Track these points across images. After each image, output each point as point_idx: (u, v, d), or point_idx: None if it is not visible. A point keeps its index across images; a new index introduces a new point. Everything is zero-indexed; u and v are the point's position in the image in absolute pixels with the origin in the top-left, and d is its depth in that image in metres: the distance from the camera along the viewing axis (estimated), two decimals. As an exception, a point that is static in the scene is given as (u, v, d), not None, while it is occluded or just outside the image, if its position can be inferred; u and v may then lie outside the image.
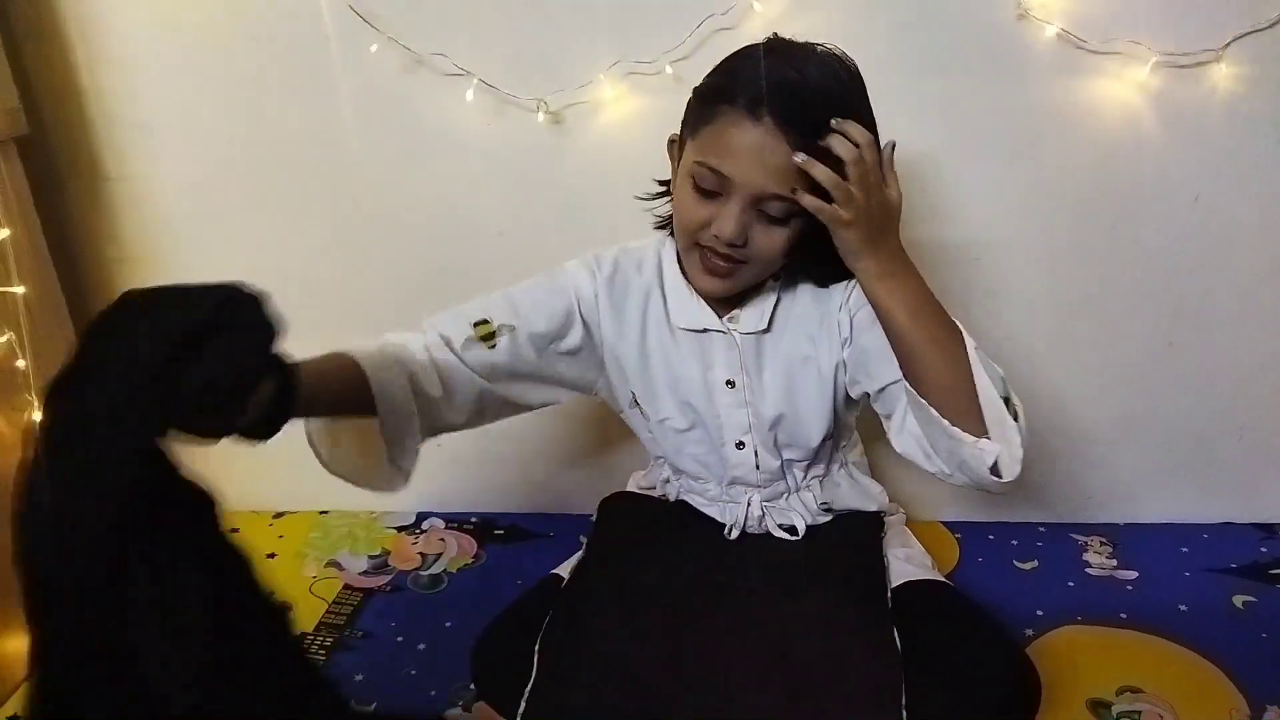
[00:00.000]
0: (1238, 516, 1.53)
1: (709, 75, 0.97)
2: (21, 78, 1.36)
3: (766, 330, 1.07)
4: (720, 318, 1.07)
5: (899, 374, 0.95)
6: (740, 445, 1.12)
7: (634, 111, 1.35)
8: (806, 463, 1.16)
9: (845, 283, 1.06)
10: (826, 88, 0.90)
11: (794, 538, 1.16)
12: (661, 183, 1.09)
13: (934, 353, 0.92)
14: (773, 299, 1.07)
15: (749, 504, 1.17)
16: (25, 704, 0.62)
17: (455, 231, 1.48)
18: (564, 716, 0.95)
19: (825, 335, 1.07)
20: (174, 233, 1.55)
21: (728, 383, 1.09)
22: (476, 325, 1.04)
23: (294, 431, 1.69)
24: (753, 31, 1.26)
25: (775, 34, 0.97)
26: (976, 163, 1.34)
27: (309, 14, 1.34)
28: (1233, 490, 1.53)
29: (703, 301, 1.07)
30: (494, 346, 1.03)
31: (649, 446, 1.23)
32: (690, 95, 0.99)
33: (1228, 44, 1.22)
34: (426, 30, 1.34)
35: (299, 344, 1.60)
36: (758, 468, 1.14)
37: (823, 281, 1.07)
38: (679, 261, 1.07)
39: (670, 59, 1.29)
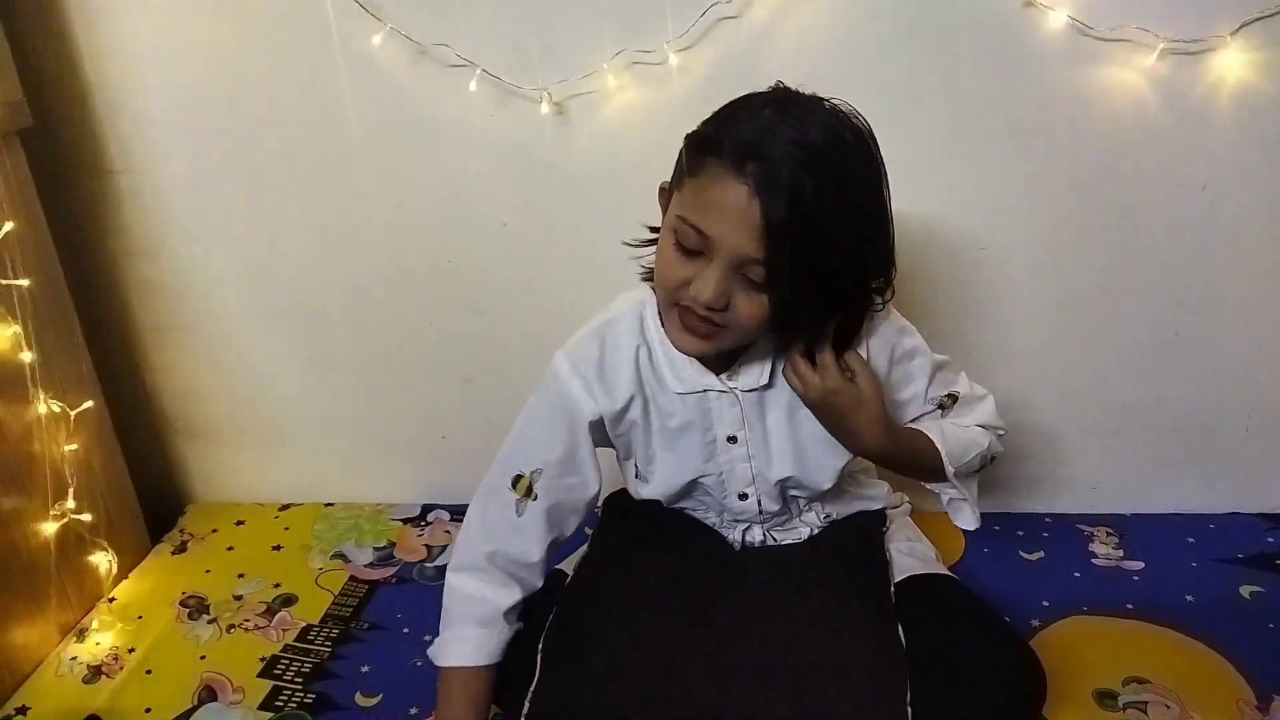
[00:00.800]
0: (1244, 507, 1.53)
1: (704, 122, 0.92)
2: (26, 70, 1.36)
3: (769, 386, 1.04)
4: (718, 376, 1.03)
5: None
6: (744, 496, 1.11)
7: (638, 101, 1.34)
8: (810, 502, 1.16)
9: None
10: (813, 136, 0.83)
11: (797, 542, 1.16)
12: (652, 229, 1.02)
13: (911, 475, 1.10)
14: (773, 353, 1.03)
15: (749, 528, 1.16)
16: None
17: (459, 223, 1.48)
18: (568, 714, 0.96)
19: None
20: (178, 226, 1.55)
21: (730, 439, 1.06)
22: (514, 486, 1.07)
23: (299, 422, 1.71)
24: (757, 20, 1.26)
25: (780, 82, 0.92)
26: (982, 150, 1.34)
27: (312, 5, 1.34)
28: (1239, 480, 1.52)
29: (696, 362, 1.02)
30: (536, 497, 1.07)
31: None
32: (682, 143, 0.93)
33: (1236, 30, 1.21)
34: (429, 21, 1.33)
35: (307, 336, 1.62)
36: (760, 511, 1.13)
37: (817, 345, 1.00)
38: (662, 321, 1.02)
39: (675, 49, 1.28)
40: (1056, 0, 1.22)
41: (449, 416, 1.65)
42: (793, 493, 1.12)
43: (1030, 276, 1.41)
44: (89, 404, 1.45)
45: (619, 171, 1.39)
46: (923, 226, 1.37)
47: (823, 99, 0.89)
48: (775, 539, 1.16)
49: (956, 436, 1.07)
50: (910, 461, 1.05)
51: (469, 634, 1.04)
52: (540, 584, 1.10)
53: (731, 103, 0.91)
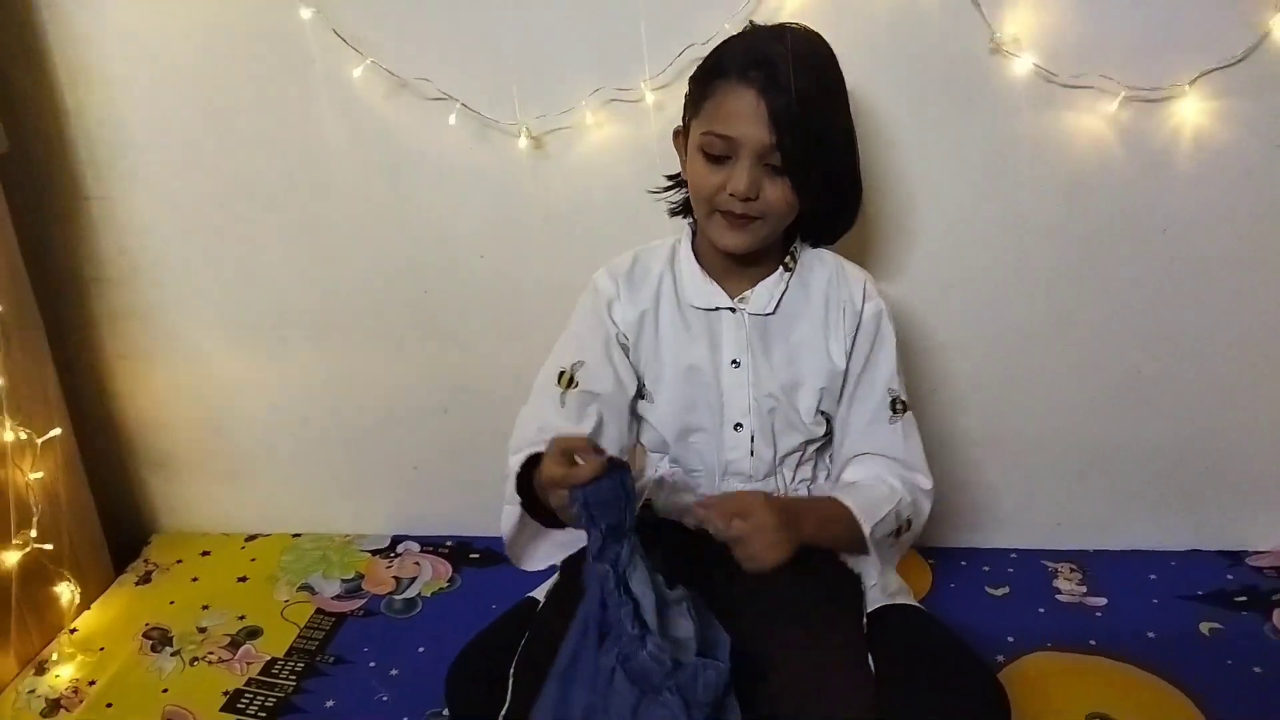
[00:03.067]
0: (1205, 544, 1.55)
1: (700, 64, 1.07)
2: (2, 96, 1.36)
3: (773, 314, 1.12)
4: (731, 299, 1.12)
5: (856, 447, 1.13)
6: (738, 427, 1.14)
7: (614, 137, 1.36)
8: (796, 460, 1.17)
9: (863, 281, 1.13)
10: (799, 48, 1.01)
11: None
12: (669, 177, 1.18)
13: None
14: (783, 286, 1.12)
15: None
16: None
17: (437, 253, 1.49)
18: None
19: (834, 326, 1.12)
20: (152, 253, 1.54)
21: (733, 362, 1.13)
22: (559, 381, 1.12)
23: (267, 451, 1.69)
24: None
25: (751, 20, 1.11)
26: (950, 192, 1.37)
27: (293, 37, 1.35)
28: (1199, 518, 1.54)
29: (714, 283, 1.12)
30: (576, 385, 1.12)
31: (647, 439, 1.23)
32: (687, 85, 1.08)
33: (1194, 79, 1.25)
34: (410, 54, 1.35)
35: (279, 365, 1.61)
36: (751, 453, 1.15)
37: (830, 235, 1.15)
38: (694, 248, 1.15)
39: (651, 87, 1.31)
40: (1022, 48, 1.25)
41: (422, 447, 1.65)
42: (780, 442, 1.15)
43: (997, 315, 1.44)
44: (56, 431, 1.44)
45: (595, 205, 1.41)
46: (891, 263, 1.40)
47: (787, 23, 1.05)
48: None
49: (867, 497, 1.07)
50: (822, 536, 1.04)
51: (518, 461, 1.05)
52: None
53: (720, 43, 1.06)
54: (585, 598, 0.89)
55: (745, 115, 0.99)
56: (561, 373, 1.13)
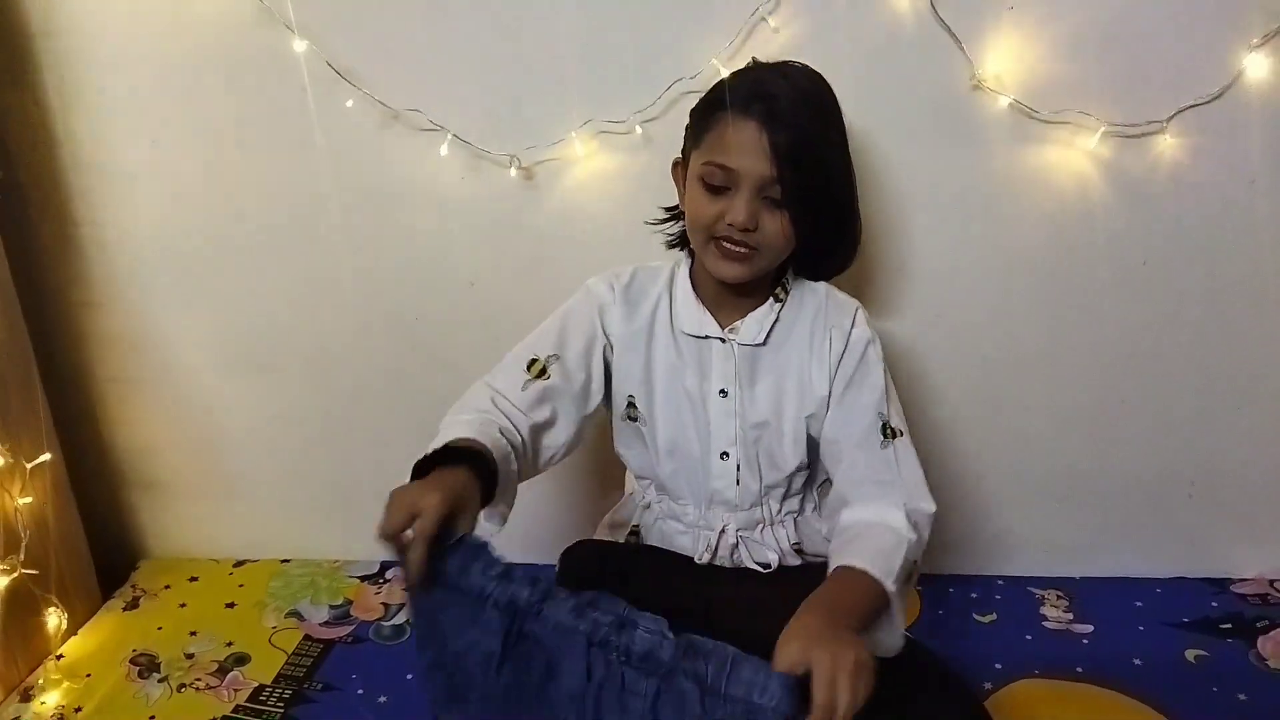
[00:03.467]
0: (1189, 571, 1.56)
1: (703, 97, 1.09)
2: (-6, 123, 1.37)
3: (763, 344, 1.13)
4: (722, 329, 1.13)
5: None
6: (725, 455, 1.15)
7: (604, 169, 1.38)
8: (782, 493, 1.18)
9: (854, 310, 1.14)
10: (801, 84, 1.04)
11: (766, 570, 1.17)
12: (667, 208, 1.19)
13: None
14: (773, 317, 1.13)
15: (724, 530, 1.18)
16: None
17: (427, 282, 1.50)
18: None
19: (818, 351, 1.13)
20: (141, 280, 1.55)
21: (721, 391, 1.14)
22: (528, 368, 1.11)
23: (256, 476, 1.69)
24: (720, 94, 1.31)
25: (755, 58, 1.14)
26: (934, 226, 1.39)
27: (285, 67, 1.36)
28: (1184, 545, 1.56)
29: (707, 312, 1.14)
30: (549, 376, 1.11)
31: (635, 464, 1.24)
32: (689, 117, 1.11)
33: (1172, 116, 1.27)
34: (402, 86, 1.36)
35: (268, 390, 1.62)
36: (738, 483, 1.15)
37: (826, 272, 1.16)
38: (690, 276, 1.16)
39: (640, 119, 1.33)
40: (1004, 85, 1.28)
41: (411, 473, 1.64)
42: (766, 476, 1.15)
43: (979, 347, 1.46)
44: (45, 456, 1.44)
45: (585, 235, 1.42)
46: (877, 293, 1.42)
47: (788, 60, 1.08)
48: (747, 551, 1.18)
49: (876, 548, 0.99)
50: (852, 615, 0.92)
51: (453, 426, 1.02)
52: (521, 440, 1.05)
53: (721, 80, 1.08)
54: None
55: (746, 147, 1.00)
56: (534, 360, 1.12)
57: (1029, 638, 1.44)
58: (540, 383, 1.10)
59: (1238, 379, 1.43)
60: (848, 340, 1.12)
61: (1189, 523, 1.54)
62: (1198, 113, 1.27)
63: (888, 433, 1.10)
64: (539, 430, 1.09)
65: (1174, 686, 1.31)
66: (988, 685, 1.32)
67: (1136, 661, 1.37)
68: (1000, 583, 1.57)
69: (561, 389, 1.12)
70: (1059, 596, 1.53)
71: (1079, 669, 1.36)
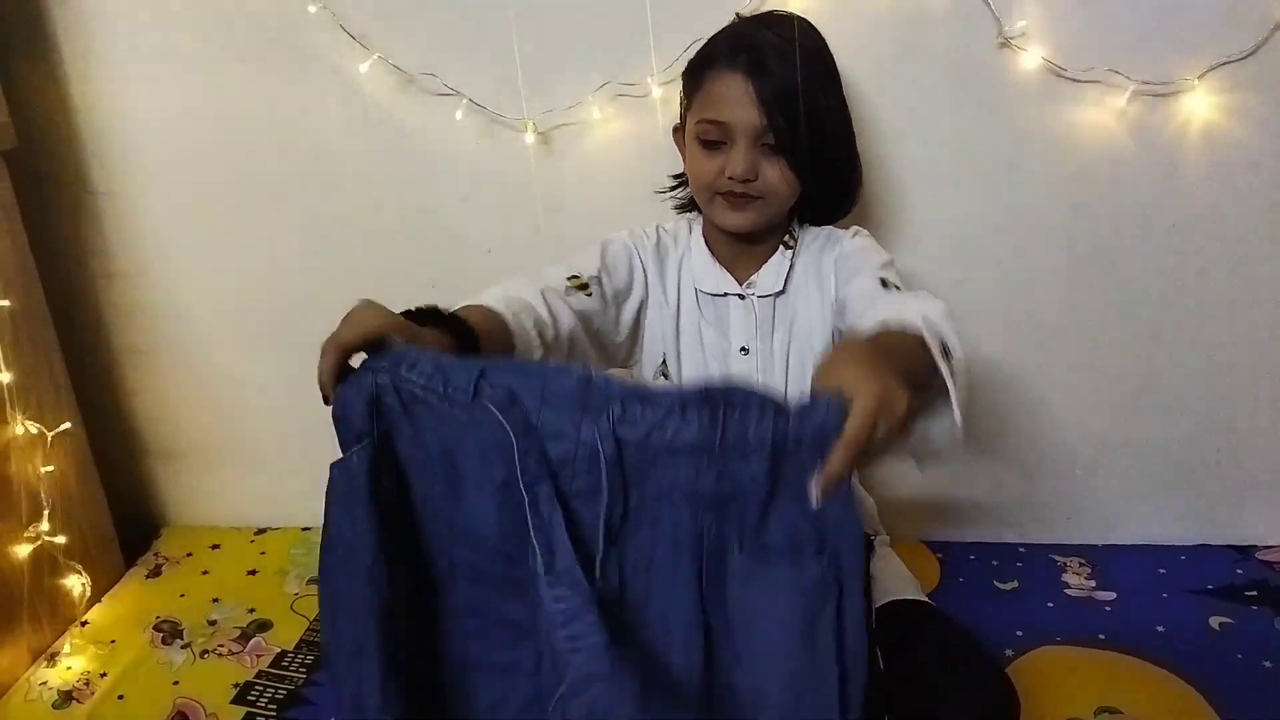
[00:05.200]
0: (1214, 538, 1.55)
1: (690, 60, 1.11)
2: (9, 91, 1.37)
3: (782, 292, 1.13)
4: (740, 285, 1.14)
5: (865, 314, 0.93)
6: None
7: (621, 133, 1.36)
8: None
9: (852, 230, 1.15)
10: (783, 31, 1.04)
11: None
12: (674, 176, 1.19)
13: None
14: (787, 264, 1.13)
15: None
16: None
17: (444, 248, 1.49)
18: None
19: (826, 279, 1.12)
20: (160, 248, 1.55)
21: (742, 349, 1.14)
22: (570, 279, 1.07)
23: (277, 445, 1.70)
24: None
25: (739, 13, 1.16)
26: (958, 187, 1.37)
27: (299, 32, 1.35)
28: (1209, 512, 1.54)
29: (723, 269, 1.14)
30: (590, 294, 1.07)
31: None
32: (681, 79, 1.12)
33: (1203, 73, 1.24)
34: (417, 50, 1.35)
35: (288, 358, 1.61)
36: None
37: (830, 216, 1.16)
38: (703, 234, 1.17)
39: (658, 81, 1.31)
40: (1031, 43, 1.25)
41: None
42: None
43: (1004, 311, 1.44)
44: (66, 425, 1.45)
45: (601, 200, 1.41)
46: (900, 257, 1.39)
47: (774, 10, 1.11)
48: None
49: (898, 315, 0.86)
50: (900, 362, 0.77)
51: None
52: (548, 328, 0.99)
53: (709, 37, 1.09)
54: None
55: (735, 99, 1.02)
56: (575, 276, 1.06)
57: (1050, 605, 1.43)
58: (579, 295, 1.06)
59: (1267, 343, 1.41)
60: (842, 250, 1.13)
61: (1213, 489, 1.52)
62: (1230, 69, 1.24)
63: (887, 286, 1.01)
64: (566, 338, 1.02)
65: (1197, 654, 1.30)
66: (1009, 653, 1.31)
67: (1160, 629, 1.36)
68: (1021, 550, 1.56)
69: (600, 310, 1.08)
70: (1081, 563, 1.52)
71: (1101, 636, 1.35)
